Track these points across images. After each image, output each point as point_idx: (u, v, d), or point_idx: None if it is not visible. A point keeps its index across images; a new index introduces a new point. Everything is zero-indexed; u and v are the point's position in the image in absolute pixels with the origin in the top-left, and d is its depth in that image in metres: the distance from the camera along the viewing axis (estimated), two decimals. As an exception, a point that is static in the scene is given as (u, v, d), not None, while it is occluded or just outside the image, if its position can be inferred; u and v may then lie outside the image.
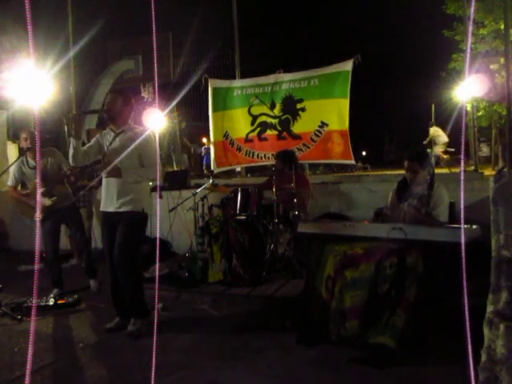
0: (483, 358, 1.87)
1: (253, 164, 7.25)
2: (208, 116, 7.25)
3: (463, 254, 1.57)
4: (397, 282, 2.92)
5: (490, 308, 1.90)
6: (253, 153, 6.92)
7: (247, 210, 4.75)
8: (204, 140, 13.29)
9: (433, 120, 13.18)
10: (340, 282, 3.04)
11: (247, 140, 6.93)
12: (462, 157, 1.78)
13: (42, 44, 7.82)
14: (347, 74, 6.18)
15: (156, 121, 5.88)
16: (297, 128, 6.58)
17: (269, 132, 6.79)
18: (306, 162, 7.75)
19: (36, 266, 1.42)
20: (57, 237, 4.63)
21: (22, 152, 4.71)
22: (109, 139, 3.53)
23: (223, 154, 7.17)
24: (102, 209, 3.57)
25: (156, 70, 5.06)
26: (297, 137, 6.56)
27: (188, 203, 5.31)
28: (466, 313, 1.58)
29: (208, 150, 9.90)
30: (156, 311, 3.63)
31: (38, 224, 4.13)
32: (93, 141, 3.60)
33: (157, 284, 4.22)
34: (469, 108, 7.68)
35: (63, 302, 4.17)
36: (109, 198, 3.50)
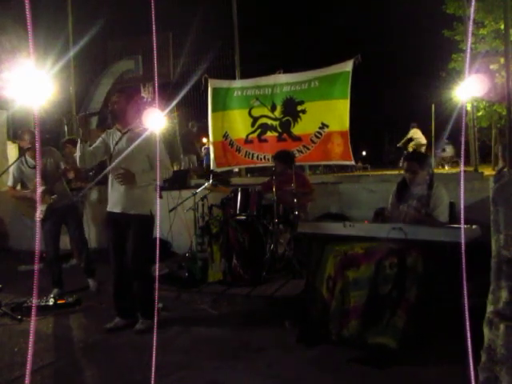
0: (483, 358, 1.87)
1: (252, 165, 7.25)
2: (208, 116, 7.26)
3: (463, 254, 1.57)
4: (398, 282, 2.92)
5: (489, 308, 1.90)
6: (252, 154, 6.91)
7: (247, 210, 4.75)
8: (204, 140, 13.28)
9: (415, 124, 13.58)
10: (341, 282, 3.04)
11: (247, 141, 6.93)
12: (462, 157, 1.78)
13: (42, 44, 7.82)
14: (347, 75, 6.18)
15: (156, 121, 5.87)
16: (297, 130, 6.58)
17: (269, 133, 6.78)
18: (307, 164, 7.74)
19: (36, 266, 1.42)
20: (57, 237, 4.64)
21: (21, 152, 4.72)
22: (115, 139, 3.54)
23: (222, 154, 7.17)
24: (108, 209, 3.59)
25: (156, 70, 5.08)
26: (297, 138, 6.56)
27: (188, 203, 5.31)
28: (466, 313, 1.58)
29: (208, 150, 9.90)
30: (156, 311, 3.63)
31: (38, 224, 4.13)
32: (98, 141, 3.59)
33: (157, 284, 4.22)
34: (469, 108, 7.68)
35: (63, 301, 4.16)
36: (115, 199, 3.51)
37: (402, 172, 3.87)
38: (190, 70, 8.57)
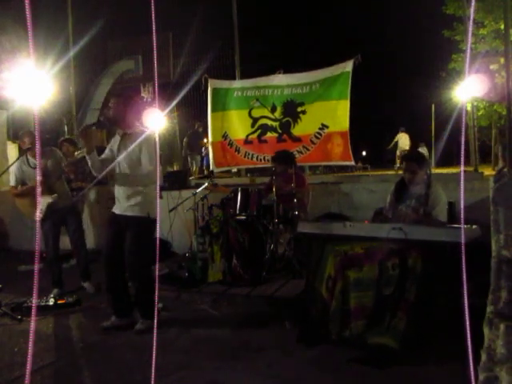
0: (483, 357, 1.87)
1: (251, 166, 7.25)
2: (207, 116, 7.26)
3: (463, 254, 1.57)
4: (399, 283, 2.92)
5: (489, 308, 1.90)
6: (252, 155, 6.91)
7: (247, 209, 4.75)
8: (204, 140, 13.30)
9: (403, 128, 14.14)
10: (341, 283, 3.03)
11: (247, 142, 6.92)
12: (462, 157, 1.77)
13: (42, 44, 7.83)
14: (347, 75, 6.18)
15: (156, 121, 5.87)
16: (297, 130, 6.58)
17: (269, 134, 6.78)
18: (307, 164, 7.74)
19: (36, 266, 1.42)
20: (57, 237, 4.64)
21: (22, 152, 4.72)
22: (116, 143, 3.59)
23: (222, 154, 7.17)
24: (112, 209, 3.64)
25: (156, 70, 5.06)
26: (297, 139, 6.56)
27: (188, 203, 5.31)
28: (466, 313, 1.58)
29: (208, 150, 9.92)
30: (156, 311, 3.63)
31: (38, 224, 4.13)
32: (107, 150, 3.63)
33: (157, 284, 4.22)
34: (469, 108, 7.69)
35: (63, 301, 4.16)
36: (117, 200, 3.57)
37: (400, 172, 3.88)
38: (190, 69, 8.59)
